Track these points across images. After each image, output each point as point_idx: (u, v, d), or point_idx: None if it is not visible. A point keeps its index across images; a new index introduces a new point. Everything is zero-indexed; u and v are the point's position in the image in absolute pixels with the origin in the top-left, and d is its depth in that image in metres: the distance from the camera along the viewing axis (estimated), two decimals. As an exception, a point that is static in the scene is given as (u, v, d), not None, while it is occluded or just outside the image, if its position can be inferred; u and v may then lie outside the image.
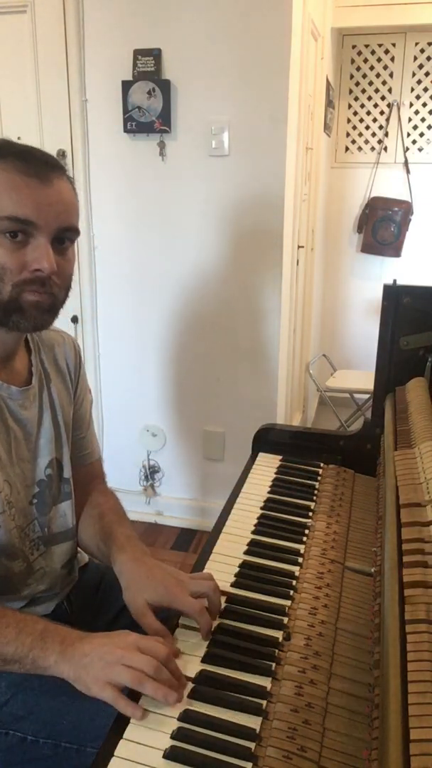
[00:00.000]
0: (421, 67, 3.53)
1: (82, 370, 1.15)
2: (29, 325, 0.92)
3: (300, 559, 1.01)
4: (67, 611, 1.09)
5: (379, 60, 3.58)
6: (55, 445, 1.04)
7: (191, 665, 0.79)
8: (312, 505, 1.18)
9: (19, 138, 2.40)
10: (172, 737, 0.69)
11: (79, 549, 1.18)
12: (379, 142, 3.69)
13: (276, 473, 1.31)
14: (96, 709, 0.80)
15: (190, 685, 0.76)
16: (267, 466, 1.34)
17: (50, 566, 1.04)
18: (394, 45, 3.53)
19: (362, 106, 3.68)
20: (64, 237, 0.89)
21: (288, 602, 0.91)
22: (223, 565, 1.01)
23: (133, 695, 0.74)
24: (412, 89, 3.58)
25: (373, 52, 3.58)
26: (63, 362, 1.10)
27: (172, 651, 0.79)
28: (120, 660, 0.75)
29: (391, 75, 3.59)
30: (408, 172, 3.66)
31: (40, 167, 0.86)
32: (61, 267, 0.89)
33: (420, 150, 3.66)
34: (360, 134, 3.73)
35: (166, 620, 0.87)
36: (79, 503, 1.13)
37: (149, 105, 2.23)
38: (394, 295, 1.27)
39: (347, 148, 3.77)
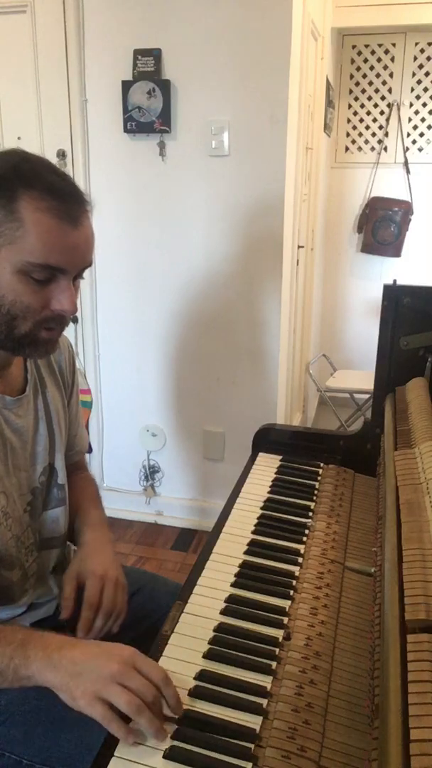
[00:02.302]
0: (421, 67, 3.53)
1: (76, 372, 1.15)
2: (40, 356, 0.94)
3: (300, 559, 1.01)
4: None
5: (379, 60, 3.58)
6: (50, 451, 1.04)
7: (191, 664, 0.79)
8: (312, 505, 1.18)
9: (19, 138, 2.40)
10: (172, 737, 0.69)
11: (76, 549, 1.18)
12: (379, 142, 3.69)
13: (276, 473, 1.31)
14: (93, 738, 0.78)
15: (187, 692, 0.76)
16: (267, 466, 1.34)
17: (42, 571, 1.04)
18: (394, 45, 3.53)
19: (362, 106, 3.68)
20: (81, 272, 0.89)
21: (288, 602, 0.91)
22: (223, 565, 1.00)
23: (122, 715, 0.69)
24: (412, 89, 3.58)
25: (373, 52, 3.58)
26: (57, 365, 1.09)
27: (166, 673, 0.74)
28: (116, 677, 0.70)
29: (391, 75, 3.59)
30: (408, 172, 3.66)
31: (73, 207, 0.82)
32: (74, 300, 0.89)
33: (420, 150, 3.66)
34: (360, 134, 3.73)
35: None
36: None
37: (149, 105, 2.23)
38: (394, 295, 1.27)
39: (347, 148, 3.77)
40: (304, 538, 1.07)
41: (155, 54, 2.20)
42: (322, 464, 1.34)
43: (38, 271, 0.82)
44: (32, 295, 0.83)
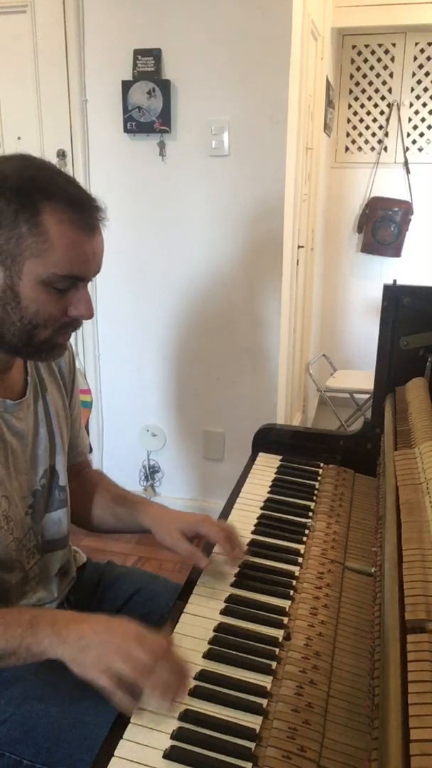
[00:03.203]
0: (421, 67, 3.53)
1: (76, 373, 1.15)
2: (53, 359, 0.97)
3: (300, 559, 1.01)
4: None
5: (379, 60, 3.58)
6: (50, 453, 1.04)
7: (192, 664, 0.79)
8: (312, 505, 1.18)
9: (19, 138, 2.41)
10: (172, 737, 0.69)
11: (76, 549, 1.19)
12: (379, 142, 3.69)
13: (276, 473, 1.31)
14: (94, 738, 0.80)
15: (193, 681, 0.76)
16: (267, 466, 1.34)
17: (45, 573, 1.04)
18: (394, 45, 3.53)
19: (362, 106, 3.68)
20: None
21: (288, 602, 0.91)
22: (224, 565, 1.00)
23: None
24: (412, 89, 3.58)
25: (373, 52, 3.58)
26: (57, 366, 1.09)
27: (171, 643, 0.79)
28: (121, 649, 0.74)
29: (391, 75, 3.59)
30: (408, 172, 3.66)
31: (91, 216, 0.84)
32: None
33: (420, 150, 3.66)
34: (360, 134, 3.73)
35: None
36: (74, 494, 1.14)
37: (149, 105, 2.23)
38: (394, 295, 1.27)
39: (347, 148, 3.77)
40: (304, 538, 1.07)
41: (155, 54, 2.20)
42: (322, 464, 1.34)
43: (62, 281, 0.84)
44: (54, 304, 0.85)
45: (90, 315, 0.88)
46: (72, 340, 1.02)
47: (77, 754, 0.84)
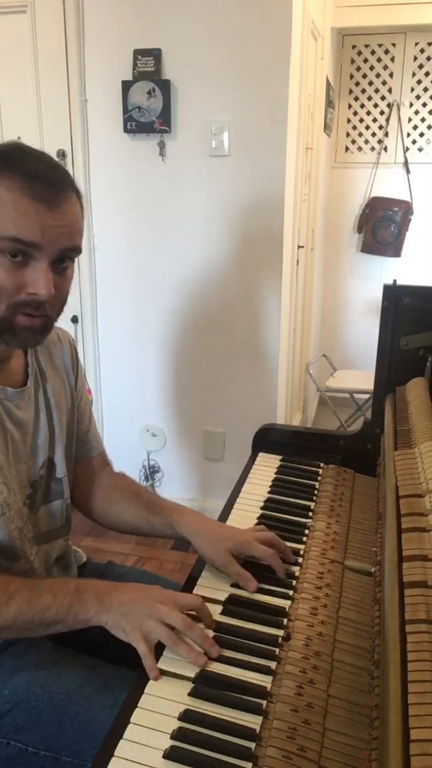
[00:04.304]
0: (421, 67, 3.53)
1: (79, 366, 1.15)
2: (20, 345, 0.93)
3: (300, 559, 1.01)
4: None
5: (379, 60, 3.58)
6: (49, 444, 1.04)
7: (191, 664, 0.79)
8: (312, 505, 1.18)
9: (19, 138, 2.40)
10: (172, 737, 0.69)
11: (76, 548, 1.19)
12: (379, 142, 3.69)
13: (276, 473, 1.31)
14: (98, 725, 0.82)
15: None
16: (267, 466, 1.34)
17: (44, 566, 1.04)
18: (394, 45, 3.53)
19: (362, 106, 3.68)
20: (65, 256, 0.88)
21: (288, 602, 0.91)
22: (223, 565, 1.00)
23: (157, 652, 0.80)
24: (412, 89, 3.58)
25: (373, 52, 3.58)
26: (59, 360, 1.09)
27: (204, 603, 0.87)
28: (157, 615, 0.81)
29: (391, 75, 3.59)
30: (408, 172, 3.66)
31: (48, 190, 0.83)
32: (59, 287, 0.88)
33: (420, 150, 3.66)
34: (360, 134, 3.73)
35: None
36: (92, 493, 1.16)
37: (149, 105, 2.23)
38: (394, 295, 1.27)
39: (347, 148, 3.77)
40: (304, 538, 1.07)
41: (155, 54, 2.20)
42: (322, 464, 1.34)
43: (8, 244, 0.82)
44: (7, 274, 0.84)
45: (48, 294, 0.85)
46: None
47: (81, 741, 0.85)
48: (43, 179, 0.83)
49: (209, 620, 0.86)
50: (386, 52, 3.56)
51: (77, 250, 0.89)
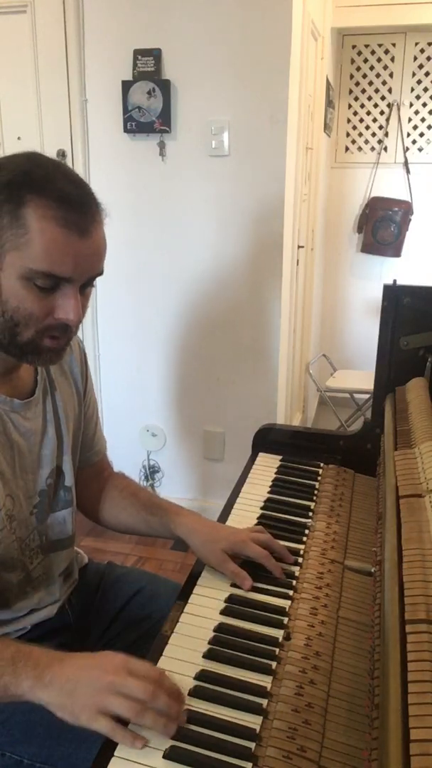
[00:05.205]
0: (421, 67, 3.53)
1: (88, 372, 1.14)
2: (42, 364, 0.94)
3: (300, 559, 1.01)
4: (68, 613, 1.09)
5: (379, 60, 3.58)
6: (57, 453, 1.03)
7: (191, 664, 0.79)
8: (312, 505, 1.18)
9: (19, 138, 2.41)
10: (172, 737, 0.69)
11: (78, 550, 1.18)
12: (379, 142, 3.69)
13: (276, 473, 1.31)
14: (94, 737, 0.76)
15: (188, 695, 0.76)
16: (267, 466, 1.34)
17: (48, 574, 1.04)
18: (394, 45, 3.53)
19: (362, 106, 3.68)
20: (91, 280, 0.87)
21: (288, 602, 0.91)
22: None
23: (121, 720, 0.69)
24: (412, 89, 3.58)
25: (373, 52, 3.58)
26: (68, 366, 1.09)
27: (162, 671, 0.75)
28: (112, 687, 0.70)
29: (391, 75, 3.59)
30: (408, 172, 3.66)
31: (81, 217, 0.80)
32: (83, 309, 0.87)
33: (420, 150, 3.66)
34: (360, 134, 3.73)
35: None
36: (92, 494, 1.16)
37: (149, 105, 2.23)
38: (394, 295, 1.27)
39: (347, 148, 3.77)
40: (304, 538, 1.07)
41: (155, 54, 2.20)
42: (322, 464, 1.34)
43: (41, 278, 0.80)
44: (36, 302, 0.82)
45: (76, 320, 0.84)
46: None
47: (77, 753, 0.84)
48: (74, 203, 0.80)
49: (174, 695, 0.72)
50: (386, 52, 3.56)
51: (101, 273, 0.88)
